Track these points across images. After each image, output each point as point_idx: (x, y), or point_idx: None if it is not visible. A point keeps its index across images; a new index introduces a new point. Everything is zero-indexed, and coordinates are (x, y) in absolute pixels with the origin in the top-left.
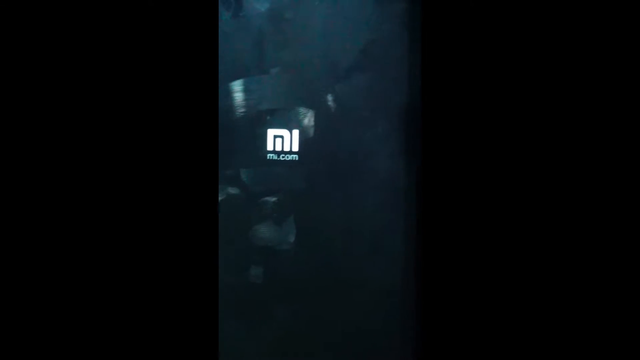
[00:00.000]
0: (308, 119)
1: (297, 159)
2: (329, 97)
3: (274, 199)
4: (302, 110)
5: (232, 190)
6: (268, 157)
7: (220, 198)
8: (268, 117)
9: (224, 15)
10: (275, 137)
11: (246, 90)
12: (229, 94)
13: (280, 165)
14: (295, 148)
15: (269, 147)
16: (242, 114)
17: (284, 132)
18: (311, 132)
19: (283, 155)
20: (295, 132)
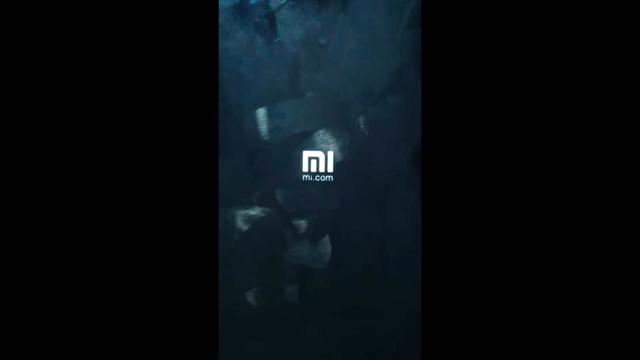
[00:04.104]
0: (343, 140)
1: (332, 179)
2: (363, 120)
3: (309, 219)
4: (336, 132)
5: (268, 211)
6: (303, 179)
7: (256, 218)
8: (304, 140)
9: (259, 42)
10: (310, 158)
11: (281, 114)
12: (264, 117)
13: (315, 186)
14: (330, 169)
15: (304, 169)
16: (277, 137)
17: (319, 154)
18: (346, 153)
19: (318, 176)
20: (330, 154)
